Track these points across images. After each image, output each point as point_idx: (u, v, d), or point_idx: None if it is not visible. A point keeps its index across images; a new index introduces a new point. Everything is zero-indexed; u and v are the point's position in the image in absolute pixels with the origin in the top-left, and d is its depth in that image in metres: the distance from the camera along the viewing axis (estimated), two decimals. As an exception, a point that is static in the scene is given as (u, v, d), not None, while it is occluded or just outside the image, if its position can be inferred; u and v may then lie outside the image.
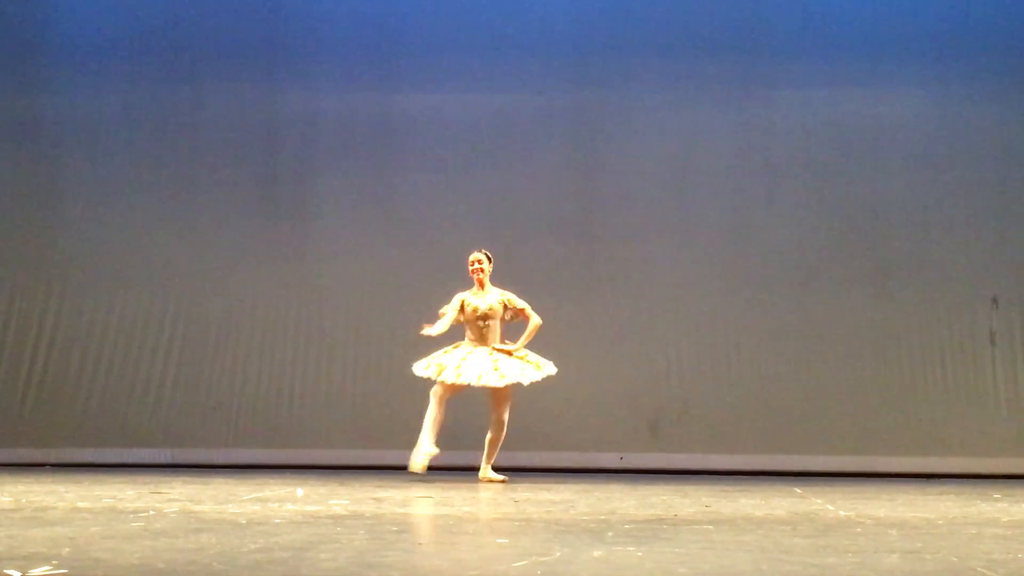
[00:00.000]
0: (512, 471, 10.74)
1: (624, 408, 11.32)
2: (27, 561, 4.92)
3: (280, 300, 11.55)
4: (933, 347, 11.29)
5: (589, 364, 11.33)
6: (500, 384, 9.60)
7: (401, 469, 10.34)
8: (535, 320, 9.84)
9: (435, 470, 9.82)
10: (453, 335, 9.77)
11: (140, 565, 4.98)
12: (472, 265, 9.90)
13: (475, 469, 10.01)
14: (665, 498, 8.31)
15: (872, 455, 11.15)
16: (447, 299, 11.37)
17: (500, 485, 9.47)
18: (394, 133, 11.72)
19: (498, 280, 11.38)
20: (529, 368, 9.72)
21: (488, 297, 9.87)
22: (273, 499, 7.92)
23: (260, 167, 11.78)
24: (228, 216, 11.68)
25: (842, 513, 7.33)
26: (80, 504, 7.51)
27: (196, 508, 7.42)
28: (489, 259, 9.97)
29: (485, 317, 9.81)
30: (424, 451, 9.60)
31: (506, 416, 9.81)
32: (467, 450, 10.99)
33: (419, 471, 9.60)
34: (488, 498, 8.17)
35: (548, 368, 9.82)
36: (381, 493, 8.44)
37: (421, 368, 9.72)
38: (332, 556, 5.21)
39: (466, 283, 11.09)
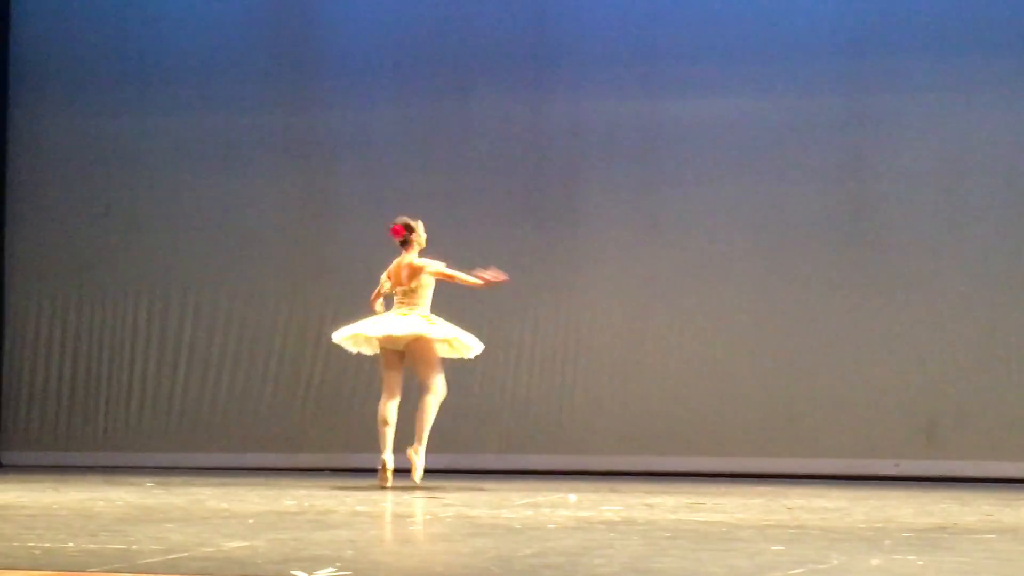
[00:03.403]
0: (785, 478, 10.63)
1: (899, 414, 11.07)
2: (312, 563, 5.07)
3: (548, 307, 11.64)
4: None
5: (862, 369, 11.11)
6: (401, 332, 9.09)
7: (676, 475, 10.40)
8: (437, 265, 9.30)
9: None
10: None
11: (419, 568, 5.09)
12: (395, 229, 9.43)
13: (738, 476, 9.87)
14: (944, 506, 8.12)
15: None
16: (715, 305, 11.36)
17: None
18: (660, 139, 11.69)
19: (761, 283, 11.31)
20: (439, 327, 9.17)
21: (403, 261, 9.39)
22: (546, 504, 7.99)
23: (527, 176, 11.89)
24: (497, 225, 11.82)
25: None
26: (359, 508, 7.71)
27: (471, 513, 7.55)
28: (416, 227, 9.45)
29: (391, 277, 9.38)
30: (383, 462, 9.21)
31: (433, 382, 9.23)
32: (726, 456, 10.96)
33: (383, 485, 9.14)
34: (761, 504, 8.10)
35: (464, 342, 9.27)
36: (653, 499, 8.44)
37: (336, 335, 9.43)
38: (606, 561, 5.24)
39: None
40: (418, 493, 8.91)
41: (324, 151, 12.22)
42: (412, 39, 12.10)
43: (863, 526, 6.76)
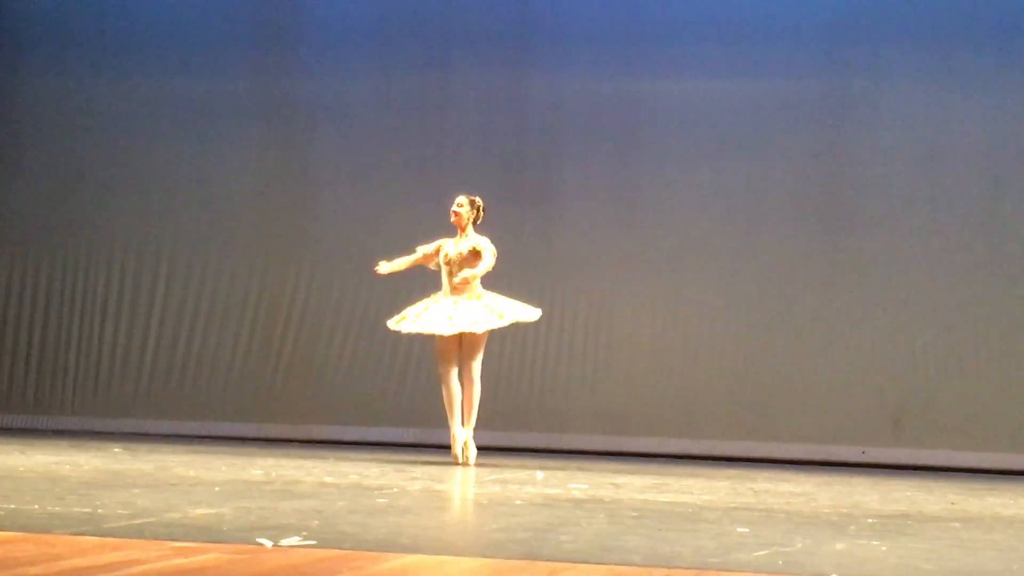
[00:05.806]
0: (752, 462, 10.66)
1: (867, 401, 11.11)
2: (278, 532, 5.07)
3: (520, 283, 11.61)
4: None
5: (832, 355, 11.14)
6: (448, 332, 9.15)
7: (643, 456, 10.41)
8: (486, 259, 9.33)
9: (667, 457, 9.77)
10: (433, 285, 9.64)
11: (385, 540, 5.09)
12: (451, 208, 9.54)
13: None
14: (909, 494, 8.16)
15: None
16: (687, 287, 11.35)
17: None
18: (639, 119, 11.68)
19: (735, 265, 11.32)
20: (490, 316, 9.25)
21: (462, 243, 9.48)
22: (513, 481, 8.01)
23: (505, 152, 11.88)
24: (473, 200, 11.80)
25: (1096, 515, 7.09)
26: (327, 479, 7.71)
27: (439, 487, 7.56)
28: (473, 204, 9.53)
29: (451, 263, 9.43)
30: (454, 436, 9.27)
31: (477, 370, 9.32)
32: (694, 438, 10.97)
33: (457, 460, 9.22)
34: (727, 487, 8.13)
35: (515, 314, 9.40)
36: (620, 479, 8.46)
37: (391, 322, 9.49)
38: (572, 539, 5.25)
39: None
40: (387, 467, 8.91)
41: (302, 119, 12.17)
42: (394, 10, 12.06)
43: (828, 511, 6.78)
